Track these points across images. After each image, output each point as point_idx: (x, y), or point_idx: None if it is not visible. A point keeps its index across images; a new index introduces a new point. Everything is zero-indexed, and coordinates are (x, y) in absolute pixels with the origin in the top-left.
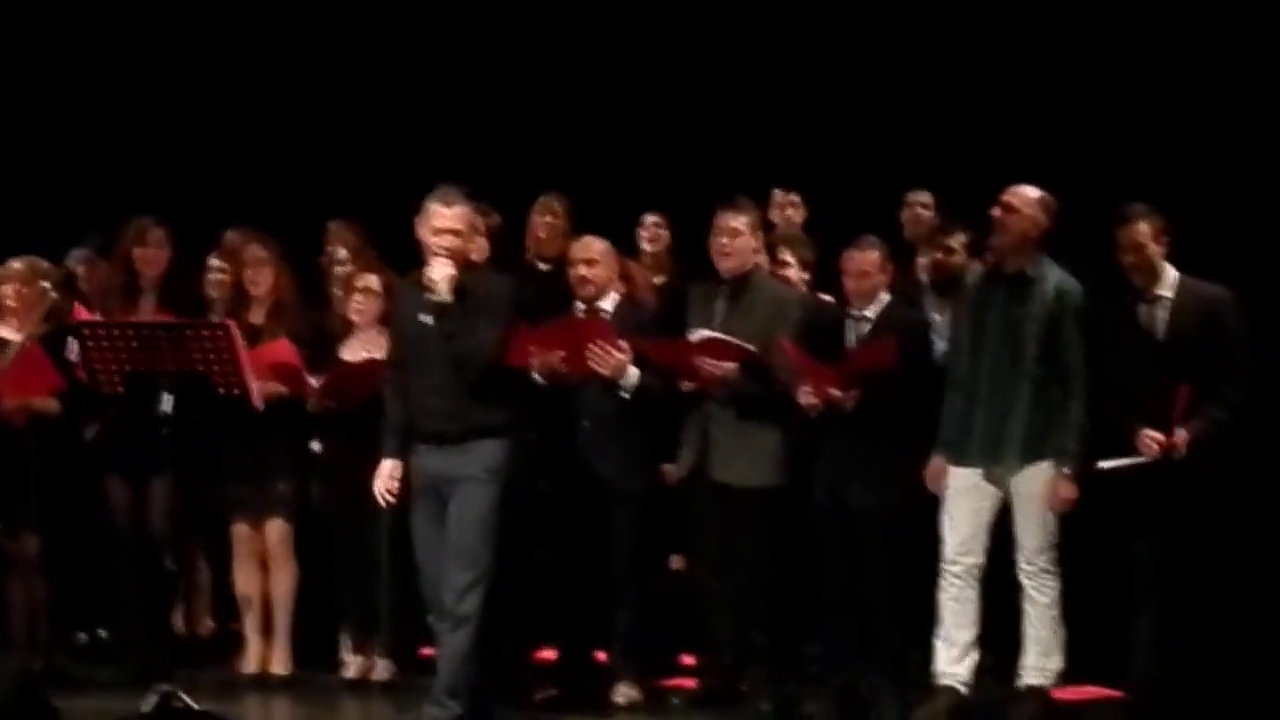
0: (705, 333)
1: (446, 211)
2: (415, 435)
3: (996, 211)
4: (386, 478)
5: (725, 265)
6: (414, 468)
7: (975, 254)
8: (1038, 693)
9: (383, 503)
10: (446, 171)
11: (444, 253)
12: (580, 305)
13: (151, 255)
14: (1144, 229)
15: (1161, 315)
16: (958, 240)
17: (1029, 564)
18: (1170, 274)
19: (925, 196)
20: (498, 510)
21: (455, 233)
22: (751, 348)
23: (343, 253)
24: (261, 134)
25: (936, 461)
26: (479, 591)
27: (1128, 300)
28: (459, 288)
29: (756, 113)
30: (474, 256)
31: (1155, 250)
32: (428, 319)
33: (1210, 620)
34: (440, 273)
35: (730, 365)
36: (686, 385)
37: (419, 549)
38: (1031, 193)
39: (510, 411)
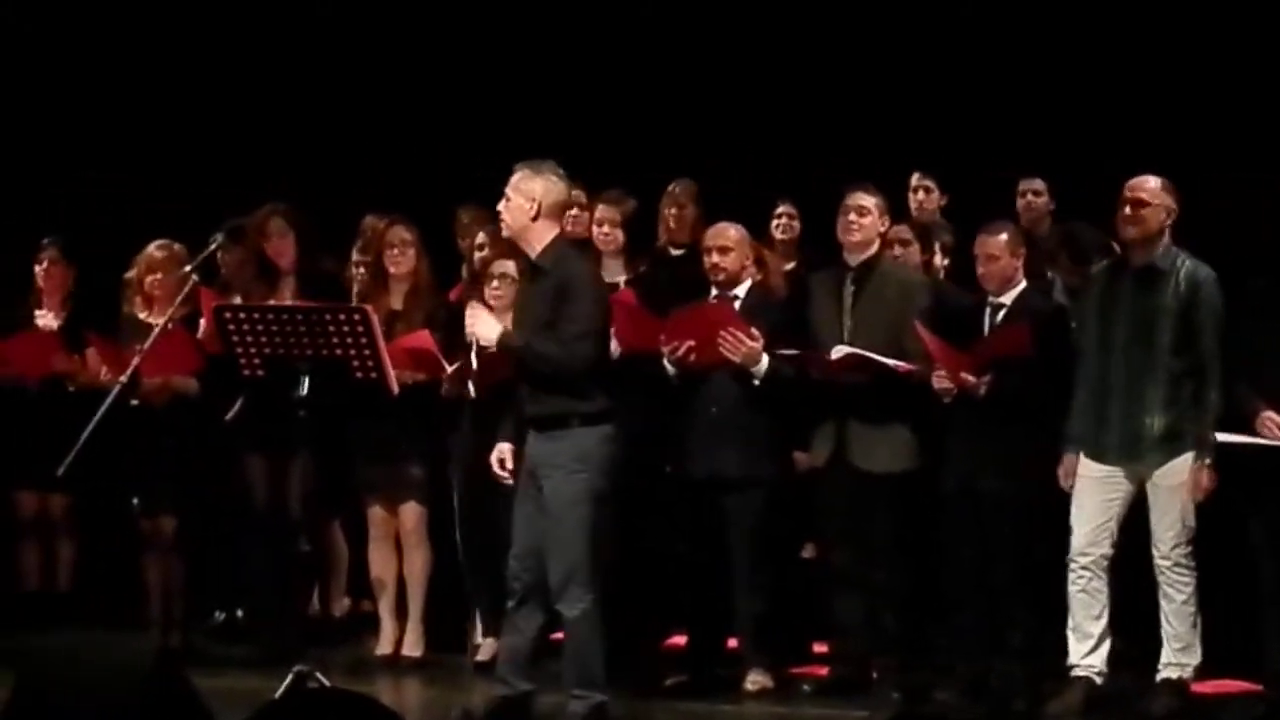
0: (845, 349)
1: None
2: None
3: (1126, 209)
4: (496, 460)
5: (852, 241)
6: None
7: None
8: (1175, 685)
9: (501, 480)
10: (580, 157)
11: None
12: (714, 291)
13: (277, 245)
14: None
15: None
16: None
17: (1165, 559)
18: None
19: (1038, 184)
20: (589, 501)
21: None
22: (891, 364)
23: (482, 238)
24: (383, 122)
25: (1069, 459)
26: (580, 584)
27: None
28: (536, 269)
29: (883, 101)
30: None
31: None
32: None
33: None
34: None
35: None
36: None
37: (515, 524)
38: (1154, 183)
39: (606, 399)
